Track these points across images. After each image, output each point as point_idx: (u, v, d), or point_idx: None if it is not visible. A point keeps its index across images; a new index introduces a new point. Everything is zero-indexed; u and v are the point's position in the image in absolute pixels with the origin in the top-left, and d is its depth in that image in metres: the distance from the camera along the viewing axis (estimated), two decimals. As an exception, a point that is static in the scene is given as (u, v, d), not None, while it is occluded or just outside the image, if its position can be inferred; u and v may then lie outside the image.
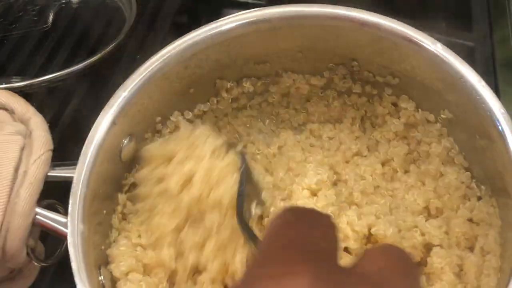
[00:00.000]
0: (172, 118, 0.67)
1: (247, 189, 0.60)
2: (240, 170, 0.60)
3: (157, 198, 0.61)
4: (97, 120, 0.58)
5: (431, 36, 0.60)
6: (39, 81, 0.86)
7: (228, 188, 0.59)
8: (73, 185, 0.55)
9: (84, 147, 0.57)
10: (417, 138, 0.68)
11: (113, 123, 0.58)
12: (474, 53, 0.88)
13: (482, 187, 0.62)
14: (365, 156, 0.70)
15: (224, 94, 0.70)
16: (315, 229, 0.37)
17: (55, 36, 0.97)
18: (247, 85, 0.70)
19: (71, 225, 0.54)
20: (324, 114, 0.74)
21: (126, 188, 0.64)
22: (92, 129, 0.57)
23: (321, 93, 0.73)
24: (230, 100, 0.71)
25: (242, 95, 0.71)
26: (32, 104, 0.63)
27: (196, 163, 0.60)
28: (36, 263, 0.59)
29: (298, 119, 0.74)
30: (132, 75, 0.60)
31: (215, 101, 0.70)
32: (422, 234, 0.62)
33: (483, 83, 0.57)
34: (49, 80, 0.86)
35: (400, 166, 0.68)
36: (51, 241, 0.61)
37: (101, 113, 0.58)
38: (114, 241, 0.61)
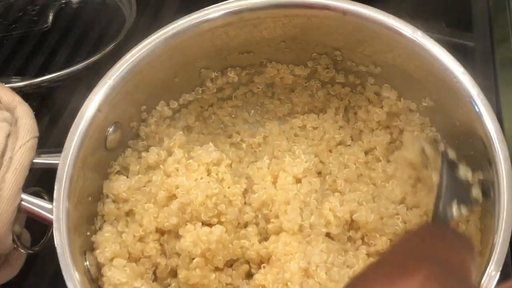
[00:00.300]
0: (157, 108, 0.68)
1: (448, 184, 0.57)
2: (441, 162, 0.58)
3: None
4: (81, 108, 0.59)
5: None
6: (39, 81, 0.86)
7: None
8: (59, 171, 0.56)
9: (69, 134, 0.57)
10: (400, 127, 0.69)
11: (98, 110, 0.59)
12: (474, 53, 0.87)
13: (462, 173, 0.63)
14: (349, 145, 0.71)
15: (209, 84, 0.71)
16: (449, 245, 0.42)
17: (55, 36, 0.98)
18: (232, 75, 0.71)
19: (56, 210, 0.55)
20: (308, 105, 0.75)
21: (112, 176, 0.64)
22: (77, 116, 0.58)
23: (305, 83, 0.73)
24: (215, 90, 0.72)
25: (227, 85, 0.72)
26: (32, 104, 0.63)
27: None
28: (22, 250, 0.60)
29: (282, 109, 0.75)
30: (117, 63, 0.61)
31: (200, 91, 0.71)
32: (404, 222, 0.63)
33: (462, 69, 0.58)
34: (49, 80, 0.87)
35: (382, 155, 0.69)
36: (37, 230, 0.62)
37: (86, 101, 0.59)
38: (99, 229, 0.62)
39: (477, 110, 0.57)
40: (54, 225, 0.54)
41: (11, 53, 0.96)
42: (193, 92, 0.71)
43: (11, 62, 0.94)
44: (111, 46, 0.89)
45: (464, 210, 0.55)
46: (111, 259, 0.59)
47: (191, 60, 0.67)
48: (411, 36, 0.60)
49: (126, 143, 0.66)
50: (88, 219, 0.61)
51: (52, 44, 0.96)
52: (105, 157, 0.64)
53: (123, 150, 0.66)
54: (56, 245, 0.53)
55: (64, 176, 0.56)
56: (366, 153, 0.70)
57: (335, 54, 0.69)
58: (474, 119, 0.57)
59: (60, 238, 0.54)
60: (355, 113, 0.73)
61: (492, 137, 0.55)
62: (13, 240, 0.58)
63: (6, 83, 0.84)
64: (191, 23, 0.63)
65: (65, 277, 0.52)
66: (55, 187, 0.56)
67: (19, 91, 0.72)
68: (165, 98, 0.68)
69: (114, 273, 0.58)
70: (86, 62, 0.88)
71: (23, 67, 0.94)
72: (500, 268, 0.51)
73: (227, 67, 0.71)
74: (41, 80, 0.86)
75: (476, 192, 0.57)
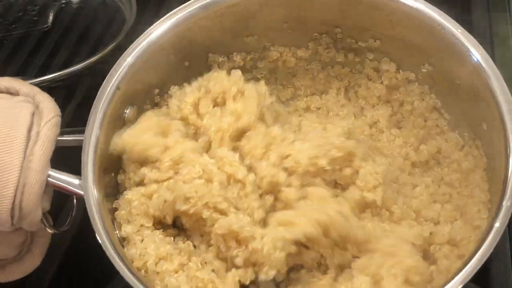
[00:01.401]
0: (169, 92, 0.70)
1: None
2: None
3: None
4: (102, 85, 0.61)
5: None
6: (39, 81, 0.86)
7: None
8: (84, 146, 0.59)
9: (91, 112, 0.60)
10: (399, 99, 0.73)
11: (117, 88, 0.62)
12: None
13: (465, 134, 0.67)
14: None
15: (216, 69, 0.73)
16: None
17: (55, 36, 0.99)
18: (238, 60, 0.74)
19: (84, 183, 0.57)
20: (310, 88, 0.78)
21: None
22: (98, 93, 0.61)
23: (306, 66, 0.77)
24: (221, 76, 0.75)
25: (232, 71, 0.73)
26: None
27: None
28: (49, 230, 0.61)
29: (285, 94, 0.78)
30: (132, 44, 0.64)
31: (207, 76, 0.74)
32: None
33: (460, 29, 0.62)
34: (49, 80, 0.87)
35: (385, 127, 0.72)
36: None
37: (107, 78, 0.62)
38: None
39: (476, 61, 0.61)
40: (85, 197, 0.57)
41: (11, 53, 0.97)
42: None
43: (11, 62, 0.96)
44: (111, 46, 0.91)
45: None
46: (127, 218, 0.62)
47: (200, 43, 0.70)
48: (407, 2, 0.64)
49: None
50: (111, 192, 0.63)
51: (52, 44, 0.98)
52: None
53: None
54: (90, 217, 0.56)
55: (89, 152, 0.59)
56: (370, 126, 0.73)
57: (335, 32, 0.72)
58: (475, 72, 0.61)
59: (93, 209, 0.56)
60: (356, 92, 0.76)
61: (494, 87, 0.59)
62: (41, 221, 0.59)
63: (6, 83, 0.87)
64: (201, 3, 0.67)
65: (103, 246, 0.54)
66: (82, 160, 0.58)
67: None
68: (176, 83, 0.71)
69: (126, 228, 0.60)
70: (86, 62, 0.89)
71: (23, 67, 0.95)
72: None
73: (233, 52, 0.74)
74: (41, 80, 0.87)
75: None
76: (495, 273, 0.68)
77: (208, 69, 0.73)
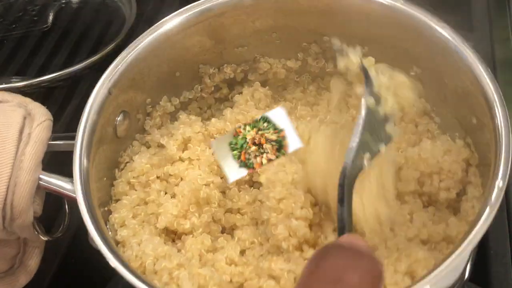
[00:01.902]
0: (161, 103, 0.71)
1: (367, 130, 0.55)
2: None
3: None
4: (94, 90, 0.62)
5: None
6: (39, 81, 0.87)
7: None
8: (75, 150, 0.59)
9: (82, 116, 0.61)
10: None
11: (109, 93, 0.62)
12: (474, 53, 0.91)
13: (456, 134, 0.67)
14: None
15: (207, 80, 0.74)
16: (358, 274, 0.41)
17: (55, 36, 1.00)
18: (228, 71, 0.75)
19: (76, 186, 0.57)
20: (301, 100, 0.78)
21: (122, 165, 0.68)
22: (90, 98, 0.62)
23: (297, 78, 0.77)
24: (212, 88, 0.75)
25: (223, 83, 0.76)
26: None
27: None
28: (42, 237, 0.62)
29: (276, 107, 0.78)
30: (123, 51, 0.65)
31: (199, 89, 0.75)
32: None
33: (446, 27, 0.64)
34: (49, 80, 0.88)
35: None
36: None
37: (98, 83, 0.62)
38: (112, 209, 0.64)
39: (463, 57, 0.61)
40: (77, 199, 0.56)
41: (11, 53, 0.98)
42: (192, 90, 0.74)
43: (11, 62, 0.96)
44: (111, 46, 0.92)
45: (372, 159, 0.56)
46: (124, 222, 0.63)
47: (191, 53, 0.71)
48: (394, 5, 0.66)
49: (134, 136, 0.70)
50: (104, 198, 0.64)
51: (52, 44, 0.98)
52: (116, 146, 0.67)
53: (131, 142, 0.70)
54: (83, 218, 0.55)
55: (80, 156, 0.59)
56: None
57: (323, 41, 0.73)
58: (462, 68, 0.61)
59: (85, 211, 0.56)
60: (346, 103, 0.76)
61: (482, 80, 0.60)
62: (34, 227, 0.60)
63: (6, 83, 0.88)
64: (190, 12, 0.68)
65: (97, 244, 0.54)
66: (74, 163, 0.58)
67: (19, 91, 0.74)
68: (168, 94, 0.72)
69: (122, 232, 0.62)
70: (86, 62, 0.90)
71: (23, 67, 0.95)
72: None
73: (223, 64, 0.75)
74: (41, 80, 0.88)
75: (390, 127, 0.58)
76: (495, 273, 0.68)
77: (199, 81, 0.74)
